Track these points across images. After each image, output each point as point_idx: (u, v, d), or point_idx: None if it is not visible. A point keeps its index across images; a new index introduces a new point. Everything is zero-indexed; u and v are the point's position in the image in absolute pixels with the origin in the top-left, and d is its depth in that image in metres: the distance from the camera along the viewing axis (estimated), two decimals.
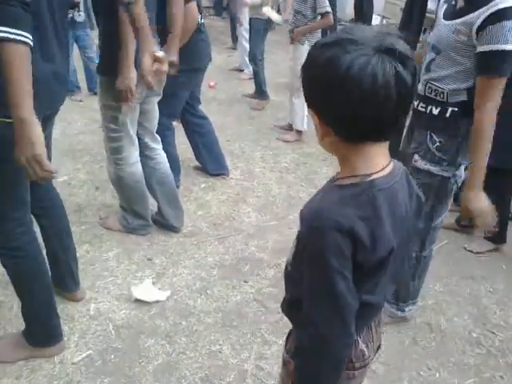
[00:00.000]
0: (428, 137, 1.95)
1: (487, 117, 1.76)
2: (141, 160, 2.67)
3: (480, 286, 2.69)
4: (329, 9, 3.99)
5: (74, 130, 4.16)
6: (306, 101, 0.91)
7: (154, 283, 2.43)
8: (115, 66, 2.23)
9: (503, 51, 1.67)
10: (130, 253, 2.67)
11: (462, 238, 3.12)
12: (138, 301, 2.31)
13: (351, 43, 0.81)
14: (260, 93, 5.25)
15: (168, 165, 2.84)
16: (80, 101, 4.85)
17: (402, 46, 0.82)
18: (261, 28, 5.09)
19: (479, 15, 1.69)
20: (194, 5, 2.71)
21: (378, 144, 0.90)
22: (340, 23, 7.96)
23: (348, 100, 0.80)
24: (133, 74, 2.25)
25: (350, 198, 0.88)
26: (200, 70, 3.18)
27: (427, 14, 4.17)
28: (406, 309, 2.31)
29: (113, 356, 2.02)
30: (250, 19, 5.26)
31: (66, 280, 2.21)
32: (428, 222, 2.05)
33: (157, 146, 2.80)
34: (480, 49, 1.71)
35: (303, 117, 4.35)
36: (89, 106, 4.73)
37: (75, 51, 4.85)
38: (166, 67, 2.17)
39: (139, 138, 2.67)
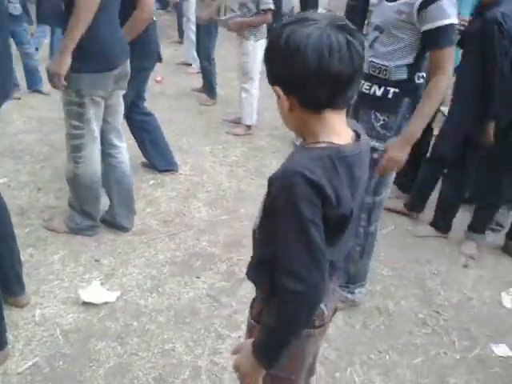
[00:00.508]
0: (373, 116, 2.10)
1: (444, 81, 1.96)
2: (102, 157, 2.60)
3: (425, 268, 2.79)
4: (271, 6, 3.98)
5: (12, 129, 3.99)
6: (271, 79, 0.98)
7: (102, 284, 2.38)
8: (79, 60, 2.21)
9: (446, 25, 1.88)
10: (76, 254, 2.59)
11: (407, 224, 3.22)
12: (86, 303, 2.25)
13: (307, 20, 0.93)
14: (210, 90, 5.19)
15: (128, 165, 2.78)
16: (18, 99, 4.66)
17: (349, 24, 0.95)
18: (212, 28, 5.01)
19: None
20: None
21: (337, 112, 0.99)
22: (286, 17, 8.00)
23: (308, 66, 0.90)
24: (67, 60, 2.20)
25: (317, 159, 0.95)
26: (148, 69, 3.11)
27: (370, 8, 4.27)
28: (356, 291, 2.38)
29: (61, 362, 1.96)
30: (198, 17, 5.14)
31: (11, 284, 2.12)
32: (374, 196, 2.17)
33: (120, 144, 2.73)
34: (426, 27, 1.91)
35: (252, 112, 4.35)
36: (27, 104, 4.56)
37: (11, 47, 4.64)
38: None
39: (103, 135, 2.60)
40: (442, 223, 3.09)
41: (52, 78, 2.26)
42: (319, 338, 1.25)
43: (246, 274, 1.21)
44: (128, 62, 2.55)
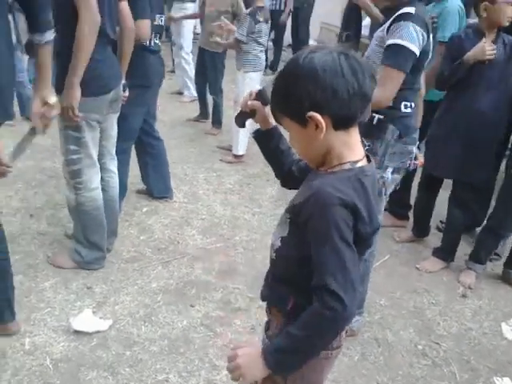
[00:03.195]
0: None
1: (379, 96, 1.89)
2: None
3: (423, 298, 2.75)
4: (239, 36, 4.07)
5: (5, 156, 3.93)
6: (306, 106, 1.01)
7: (94, 313, 2.31)
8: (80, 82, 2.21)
9: (396, 44, 1.92)
10: (67, 282, 2.52)
11: (403, 253, 3.20)
12: (77, 332, 2.18)
13: (323, 48, 1.02)
14: (217, 122, 5.21)
15: (118, 190, 2.75)
16: (12, 126, 4.63)
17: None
18: (219, 63, 5.03)
19: (390, 20, 1.98)
20: (125, 4, 2.54)
21: (356, 131, 1.07)
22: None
23: (350, 85, 0.99)
24: (77, 93, 2.21)
25: (346, 180, 1.02)
26: (152, 86, 3.10)
27: (362, 39, 4.36)
28: (353, 320, 2.32)
29: None
30: (203, 50, 5.15)
31: (1, 310, 2.06)
32: None
33: (113, 169, 2.71)
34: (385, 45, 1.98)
35: (238, 141, 4.34)
36: (21, 131, 4.51)
37: None
38: (54, 112, 2.08)
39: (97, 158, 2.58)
40: (447, 251, 3.04)
41: (65, 112, 2.24)
42: (335, 359, 1.25)
43: (262, 295, 1.23)
44: (121, 85, 2.56)
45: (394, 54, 1.94)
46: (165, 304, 2.46)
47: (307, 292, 1.04)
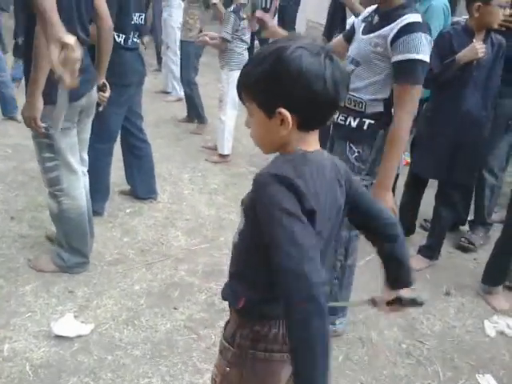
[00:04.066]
0: (347, 148, 2.05)
1: (406, 120, 1.91)
2: None
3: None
4: (224, 35, 4.06)
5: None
6: (279, 98, 1.00)
7: (76, 317, 2.27)
8: (43, 90, 2.10)
9: (414, 60, 1.84)
10: (49, 285, 2.49)
11: None
12: (58, 337, 2.14)
13: (314, 47, 1.00)
14: (198, 117, 5.18)
15: (88, 189, 2.68)
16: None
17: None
18: (191, 52, 5.03)
19: (392, 28, 1.88)
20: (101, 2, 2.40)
21: (317, 131, 1.09)
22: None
23: (327, 90, 0.99)
24: (39, 103, 2.12)
25: (287, 161, 1.03)
26: (130, 85, 3.05)
27: None
28: (337, 322, 2.33)
29: None
30: (181, 42, 5.18)
31: None
32: (350, 230, 2.11)
33: (83, 170, 2.64)
34: (394, 58, 1.88)
35: (223, 140, 4.34)
36: (2, 132, 4.47)
37: None
38: (77, 54, 1.60)
39: None
40: (432, 250, 3.04)
41: (28, 122, 2.17)
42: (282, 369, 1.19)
43: (222, 293, 1.19)
44: (95, 89, 2.49)
45: (413, 71, 1.85)
46: (148, 307, 2.43)
47: (260, 286, 1.06)
